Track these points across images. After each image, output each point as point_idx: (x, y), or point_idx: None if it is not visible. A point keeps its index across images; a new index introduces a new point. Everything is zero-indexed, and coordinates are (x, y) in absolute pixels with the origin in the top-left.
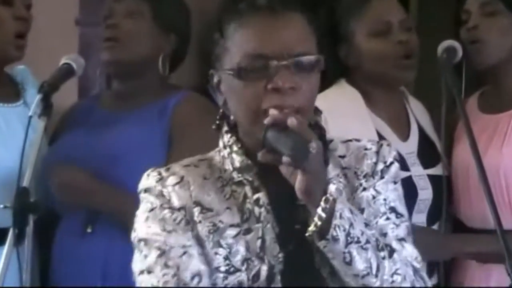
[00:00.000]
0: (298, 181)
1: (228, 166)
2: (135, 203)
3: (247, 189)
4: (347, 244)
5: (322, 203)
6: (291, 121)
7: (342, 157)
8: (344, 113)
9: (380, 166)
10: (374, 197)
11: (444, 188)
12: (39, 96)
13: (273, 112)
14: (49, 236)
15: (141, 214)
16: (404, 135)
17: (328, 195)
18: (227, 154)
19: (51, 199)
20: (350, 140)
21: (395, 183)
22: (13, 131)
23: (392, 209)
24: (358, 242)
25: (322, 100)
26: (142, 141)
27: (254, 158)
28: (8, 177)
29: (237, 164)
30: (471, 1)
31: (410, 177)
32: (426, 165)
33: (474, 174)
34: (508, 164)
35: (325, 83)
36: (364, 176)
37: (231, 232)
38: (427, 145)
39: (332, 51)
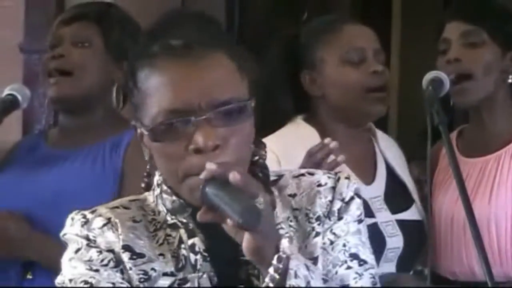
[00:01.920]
0: (246, 241)
1: (161, 208)
2: None
3: (182, 232)
4: None
5: (274, 262)
6: (234, 177)
7: (293, 196)
8: (296, 157)
9: (337, 204)
10: (332, 242)
11: (429, 235)
12: None
13: (210, 166)
14: None
15: (66, 257)
16: (369, 178)
17: (281, 252)
18: (159, 193)
19: None
20: (303, 174)
21: (359, 222)
22: None
23: (354, 256)
24: None
25: (273, 142)
26: (93, 181)
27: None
28: None
29: (169, 205)
30: (451, 29)
31: (375, 224)
32: (395, 210)
33: (460, 226)
34: (499, 212)
35: (281, 119)
36: (317, 219)
37: (165, 281)
38: (396, 188)
39: (291, 81)
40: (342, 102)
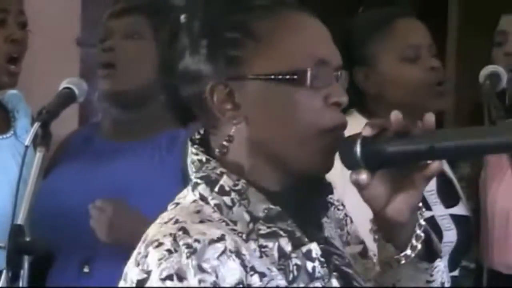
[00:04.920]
0: (415, 195)
1: (241, 216)
2: None
3: (283, 242)
4: None
5: (421, 221)
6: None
7: None
8: None
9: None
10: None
11: (483, 229)
12: (37, 124)
13: (396, 114)
14: (44, 278)
15: None
16: None
17: (421, 210)
18: (232, 201)
19: (46, 237)
20: None
21: None
22: (3, 165)
23: None
24: None
25: None
26: (152, 174)
27: (276, 200)
28: (0, 215)
29: (260, 213)
30: (508, 21)
31: (433, 217)
32: (447, 204)
33: None
34: None
35: None
36: (342, 205)
37: None
38: (446, 183)
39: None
40: (403, 99)
